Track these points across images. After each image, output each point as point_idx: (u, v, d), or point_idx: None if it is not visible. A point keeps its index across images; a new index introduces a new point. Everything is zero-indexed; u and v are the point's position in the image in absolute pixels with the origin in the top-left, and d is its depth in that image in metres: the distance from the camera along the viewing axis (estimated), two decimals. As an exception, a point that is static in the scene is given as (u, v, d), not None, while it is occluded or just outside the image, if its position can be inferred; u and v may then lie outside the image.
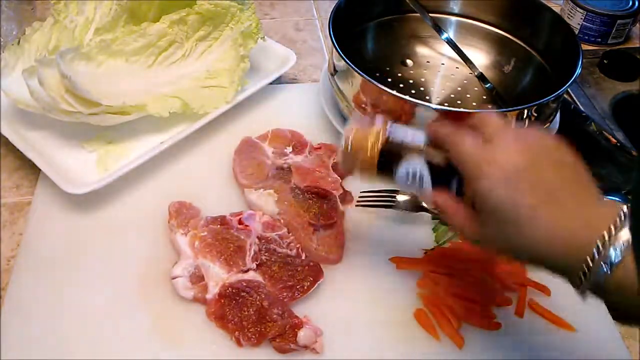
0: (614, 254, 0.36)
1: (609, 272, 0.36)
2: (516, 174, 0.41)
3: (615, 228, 0.37)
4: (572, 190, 0.41)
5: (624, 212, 0.38)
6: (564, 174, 0.42)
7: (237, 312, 0.55)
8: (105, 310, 0.56)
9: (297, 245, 0.60)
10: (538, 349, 0.56)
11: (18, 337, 0.54)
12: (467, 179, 0.43)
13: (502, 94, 0.77)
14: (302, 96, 0.81)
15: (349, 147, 0.48)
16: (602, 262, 0.37)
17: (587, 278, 0.37)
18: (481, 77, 0.78)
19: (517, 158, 0.42)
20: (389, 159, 0.47)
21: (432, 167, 0.47)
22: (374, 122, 0.48)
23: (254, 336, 0.53)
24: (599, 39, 0.96)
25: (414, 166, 0.47)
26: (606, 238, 0.37)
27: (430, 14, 0.78)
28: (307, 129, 0.74)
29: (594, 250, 0.37)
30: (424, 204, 0.65)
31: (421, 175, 0.47)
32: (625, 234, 0.36)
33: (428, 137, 0.47)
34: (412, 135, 0.48)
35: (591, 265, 0.37)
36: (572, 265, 0.38)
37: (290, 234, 0.61)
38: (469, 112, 0.64)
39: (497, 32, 0.80)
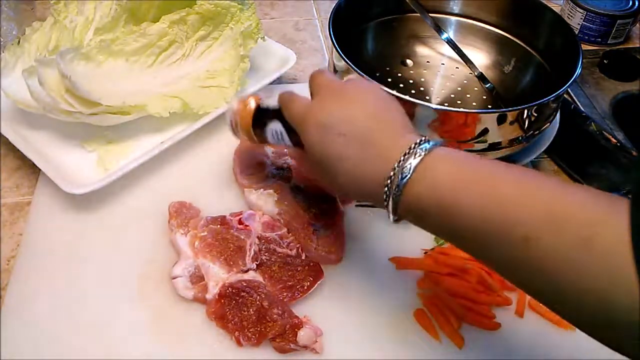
0: (400, 178, 0.42)
1: (399, 194, 0.42)
2: (329, 125, 0.46)
3: (407, 155, 0.43)
4: (382, 132, 0.46)
5: (418, 140, 0.43)
6: (372, 119, 0.47)
7: (237, 312, 0.55)
8: (105, 310, 0.56)
9: (297, 245, 0.60)
10: (538, 349, 0.56)
11: (18, 337, 0.54)
12: (299, 134, 0.50)
13: (502, 94, 0.77)
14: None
15: (231, 118, 0.59)
16: (395, 187, 0.42)
17: (387, 205, 0.43)
18: (481, 77, 0.78)
19: (331, 110, 0.47)
20: (258, 123, 0.56)
21: (287, 126, 0.54)
22: (250, 96, 0.58)
23: (254, 336, 0.53)
24: (599, 39, 0.96)
25: (275, 126, 0.55)
26: (397, 166, 0.43)
27: (430, 14, 0.78)
28: (307, 129, 0.74)
29: (387, 179, 0.43)
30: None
31: (281, 133, 0.55)
32: (409, 163, 0.42)
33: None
34: (272, 102, 0.56)
35: (387, 194, 0.43)
36: (378, 198, 0.44)
37: (290, 234, 0.61)
38: (469, 112, 0.64)
39: (497, 32, 0.80)
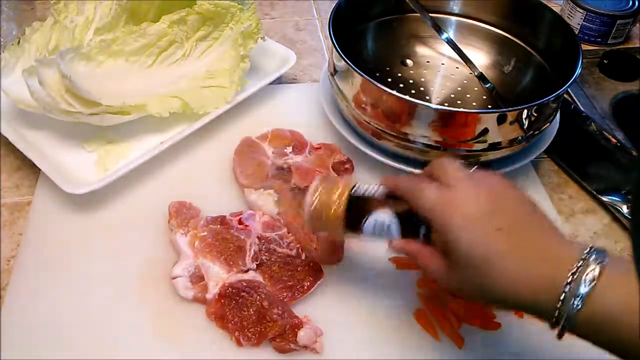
0: (582, 289, 0.37)
1: (580, 307, 0.37)
2: (482, 219, 0.42)
3: (581, 265, 0.38)
4: (536, 232, 0.42)
5: (588, 249, 0.39)
6: (526, 215, 0.43)
7: (237, 312, 0.55)
8: (105, 310, 0.56)
9: (297, 245, 0.60)
10: (538, 349, 0.56)
11: (18, 337, 0.54)
12: (434, 228, 0.44)
13: (502, 94, 0.77)
14: (302, 96, 0.81)
15: (315, 206, 0.49)
16: (572, 298, 0.37)
17: (561, 316, 0.38)
18: (481, 77, 0.78)
19: (480, 202, 0.43)
20: (355, 214, 0.48)
21: (399, 216, 0.47)
22: (338, 182, 0.50)
23: (254, 336, 0.53)
24: (599, 39, 0.96)
25: (381, 217, 0.47)
26: (574, 276, 0.38)
27: (430, 14, 0.78)
28: (307, 129, 0.74)
29: (563, 289, 0.38)
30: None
31: (389, 225, 0.47)
32: (590, 270, 0.38)
33: (389, 189, 0.48)
34: (374, 189, 0.49)
35: (562, 303, 0.38)
36: (544, 306, 0.39)
37: (290, 234, 0.61)
38: (469, 112, 0.64)
39: (497, 32, 0.80)
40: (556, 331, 0.39)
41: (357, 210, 0.48)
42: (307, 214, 0.50)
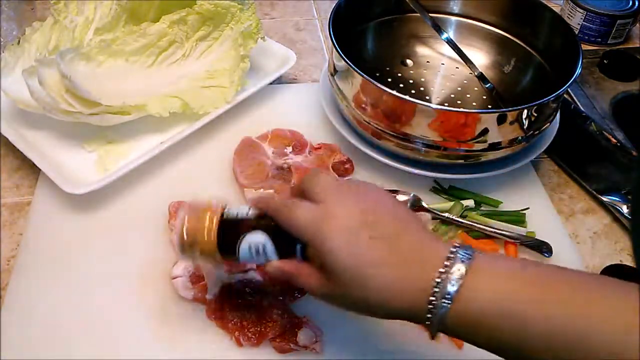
0: (450, 287, 0.38)
1: (448, 306, 0.38)
2: (354, 229, 0.41)
3: (448, 264, 0.39)
4: (409, 236, 0.42)
5: (454, 247, 0.40)
6: (398, 221, 0.43)
7: (237, 312, 0.55)
8: (105, 310, 0.56)
9: (297, 245, 0.60)
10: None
11: (18, 337, 0.54)
12: (309, 244, 0.43)
13: (502, 94, 0.77)
14: (302, 96, 0.81)
15: (185, 236, 0.46)
16: (442, 298, 0.38)
17: (433, 316, 0.39)
18: (481, 77, 0.78)
19: (351, 212, 0.42)
20: (228, 238, 0.46)
21: (272, 235, 0.46)
22: (206, 206, 0.47)
23: (254, 336, 0.53)
24: (599, 39, 0.96)
25: (255, 238, 0.46)
26: (442, 275, 0.38)
27: (430, 14, 0.78)
28: (307, 129, 0.74)
29: (433, 289, 0.38)
30: (424, 204, 0.65)
31: (264, 245, 0.46)
32: (457, 269, 0.38)
33: (260, 210, 0.47)
34: (245, 211, 0.47)
35: (432, 304, 0.38)
36: (417, 308, 0.39)
37: (290, 234, 0.61)
38: (469, 112, 0.64)
39: (497, 32, 0.80)
40: (430, 331, 0.40)
41: (230, 234, 0.46)
42: (179, 244, 0.47)
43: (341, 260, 0.41)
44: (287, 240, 0.45)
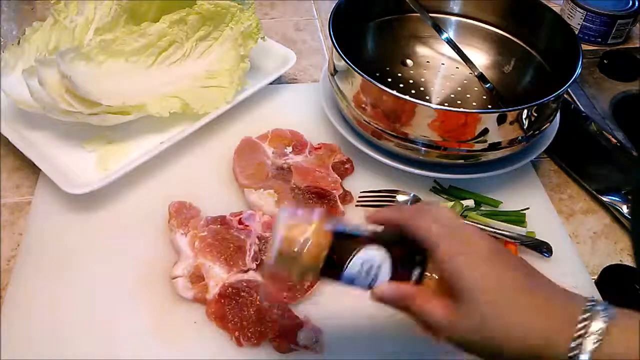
0: (590, 344, 0.36)
1: (597, 345, 0.36)
2: (495, 255, 0.39)
3: (586, 318, 0.37)
4: (542, 279, 0.40)
5: (589, 301, 0.38)
6: (529, 268, 0.41)
7: (237, 312, 0.55)
8: (105, 310, 0.56)
9: (297, 245, 0.60)
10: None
11: (18, 337, 0.54)
12: (440, 257, 0.39)
13: (502, 94, 0.77)
14: (302, 96, 0.81)
15: (287, 246, 0.40)
16: (582, 353, 0.36)
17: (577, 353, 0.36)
18: (481, 77, 0.78)
19: (489, 242, 0.40)
20: (340, 254, 0.41)
21: (392, 255, 0.41)
22: (311, 217, 0.42)
23: (254, 336, 0.53)
24: (599, 39, 0.96)
25: (371, 256, 0.41)
26: (581, 331, 0.36)
27: (430, 14, 0.78)
28: (307, 129, 0.74)
29: (572, 345, 0.36)
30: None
31: (379, 266, 0.41)
32: (596, 324, 0.36)
33: (378, 224, 0.43)
34: (356, 227, 0.43)
35: (574, 354, 0.36)
36: (554, 353, 0.37)
37: (290, 234, 0.61)
38: (469, 112, 0.64)
39: (497, 32, 0.80)
40: None
41: (342, 249, 0.41)
42: (277, 253, 0.41)
43: (477, 274, 0.38)
44: (404, 262, 0.41)
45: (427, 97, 0.78)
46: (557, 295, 0.39)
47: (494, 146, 0.64)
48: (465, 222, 0.43)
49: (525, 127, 0.64)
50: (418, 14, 0.78)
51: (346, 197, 0.67)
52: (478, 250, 0.39)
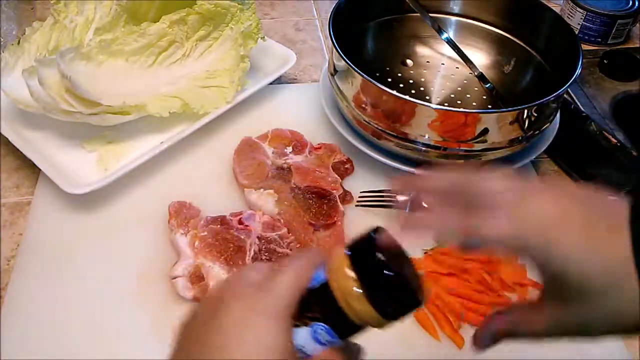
0: None
1: None
2: (583, 227, 0.32)
3: None
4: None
5: None
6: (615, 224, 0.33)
7: (237, 312, 0.54)
8: (105, 310, 0.56)
9: (297, 245, 0.60)
10: (538, 349, 0.56)
11: (18, 337, 0.54)
12: (532, 254, 0.33)
13: (502, 94, 0.77)
14: (302, 96, 0.81)
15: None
16: None
17: None
18: (481, 77, 0.78)
19: (569, 208, 0.33)
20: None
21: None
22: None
23: (254, 336, 0.53)
24: (599, 39, 0.96)
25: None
26: None
27: (430, 14, 0.78)
28: (307, 129, 0.74)
29: None
30: (425, 204, 0.65)
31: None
32: None
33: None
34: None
35: None
36: None
37: (290, 234, 0.61)
38: (469, 112, 0.64)
39: (497, 32, 0.80)
40: None
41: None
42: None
43: (585, 263, 0.31)
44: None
45: (427, 97, 0.78)
46: None
47: (494, 146, 0.64)
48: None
49: (525, 127, 0.64)
50: (418, 14, 0.78)
51: (346, 197, 0.67)
52: (565, 226, 0.32)
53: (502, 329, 0.37)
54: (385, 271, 0.32)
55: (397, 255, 0.34)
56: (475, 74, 0.78)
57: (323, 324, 0.33)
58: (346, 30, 0.72)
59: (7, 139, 0.68)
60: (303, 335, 0.33)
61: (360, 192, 0.67)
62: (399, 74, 0.81)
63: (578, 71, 0.64)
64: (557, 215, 0.32)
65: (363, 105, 0.66)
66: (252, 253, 0.58)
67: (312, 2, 1.04)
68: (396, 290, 0.33)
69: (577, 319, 0.33)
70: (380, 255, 0.33)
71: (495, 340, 0.37)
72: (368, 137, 0.69)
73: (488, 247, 0.35)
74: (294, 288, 0.32)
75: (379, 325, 0.34)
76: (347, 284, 0.32)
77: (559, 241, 0.32)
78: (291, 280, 0.33)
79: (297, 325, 0.32)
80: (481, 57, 0.81)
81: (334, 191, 0.65)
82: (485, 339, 0.38)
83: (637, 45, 0.97)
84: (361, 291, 0.32)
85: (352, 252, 0.33)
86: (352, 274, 0.32)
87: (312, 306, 0.33)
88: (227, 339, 0.31)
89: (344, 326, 0.33)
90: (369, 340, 0.55)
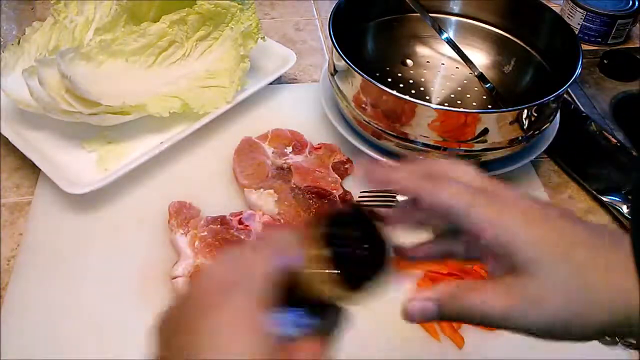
0: None
1: None
2: (542, 211, 0.34)
3: None
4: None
5: None
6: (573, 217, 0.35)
7: (237, 312, 0.54)
8: (105, 310, 0.56)
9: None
10: (538, 349, 0.56)
11: (18, 337, 0.54)
12: (480, 226, 0.33)
13: (502, 94, 0.77)
14: (302, 96, 0.81)
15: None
16: None
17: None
18: (481, 77, 0.78)
19: (529, 198, 0.35)
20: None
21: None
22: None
23: (254, 336, 0.53)
24: (599, 39, 0.96)
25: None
26: None
27: (430, 14, 0.78)
28: (307, 129, 0.74)
29: None
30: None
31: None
32: None
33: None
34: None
35: None
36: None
37: (290, 234, 0.61)
38: (469, 112, 0.64)
39: (497, 32, 0.80)
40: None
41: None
42: None
43: (547, 238, 0.32)
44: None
45: (427, 97, 0.78)
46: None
47: (494, 146, 0.64)
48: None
49: (525, 127, 0.64)
50: (418, 14, 0.78)
51: (346, 197, 0.67)
52: (527, 211, 0.33)
53: (446, 295, 0.34)
54: (350, 247, 0.33)
55: (364, 225, 0.35)
56: (475, 74, 0.78)
57: (299, 307, 0.33)
58: (346, 30, 0.72)
59: (7, 139, 0.68)
60: (282, 321, 0.33)
61: (360, 192, 0.67)
62: (399, 74, 0.81)
63: (578, 71, 0.64)
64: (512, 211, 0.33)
65: (363, 105, 0.66)
66: (252, 253, 0.58)
67: (312, 2, 1.04)
68: (363, 263, 0.34)
69: (528, 292, 0.33)
70: (345, 230, 0.34)
71: (435, 313, 0.35)
72: (368, 137, 0.69)
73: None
74: (266, 279, 0.32)
75: (353, 301, 0.35)
76: (316, 263, 0.33)
77: (503, 212, 0.33)
78: (262, 271, 0.32)
79: (275, 312, 0.32)
80: (481, 57, 0.81)
81: (334, 191, 0.65)
82: (421, 308, 0.35)
83: (637, 45, 0.97)
84: (330, 270, 0.33)
85: (319, 229, 0.34)
86: (319, 251, 0.33)
87: (287, 291, 0.33)
88: (208, 347, 0.30)
89: (319, 307, 0.34)
90: (369, 340, 0.55)
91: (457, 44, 0.79)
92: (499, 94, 0.77)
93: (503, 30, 0.80)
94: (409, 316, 0.36)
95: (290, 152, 0.70)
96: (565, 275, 0.32)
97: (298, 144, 0.71)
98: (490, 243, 0.33)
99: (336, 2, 0.72)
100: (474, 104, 0.77)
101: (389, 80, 0.79)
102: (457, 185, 0.35)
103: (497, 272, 0.34)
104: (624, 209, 0.68)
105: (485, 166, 0.67)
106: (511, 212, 0.33)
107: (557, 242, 0.32)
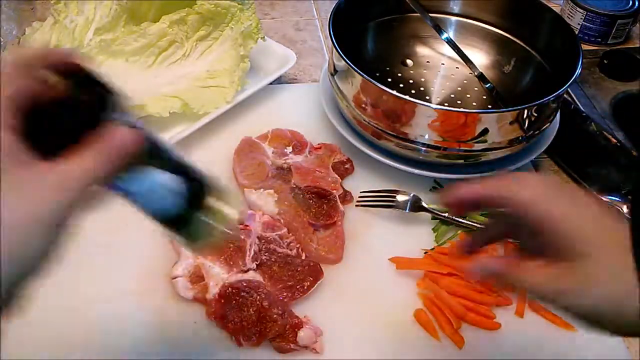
0: None
1: None
2: (601, 210, 0.38)
3: None
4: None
5: None
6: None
7: (237, 312, 0.55)
8: (105, 310, 0.56)
9: (297, 245, 0.60)
10: (538, 349, 0.56)
11: (18, 337, 0.54)
12: (553, 216, 0.37)
13: (502, 94, 0.77)
14: (302, 96, 0.81)
15: None
16: None
17: None
18: (481, 77, 0.78)
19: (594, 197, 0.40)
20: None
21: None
22: None
23: (254, 336, 0.53)
24: (599, 39, 0.96)
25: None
26: None
27: (430, 14, 0.78)
28: (307, 129, 0.74)
29: None
30: (424, 204, 0.65)
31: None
32: None
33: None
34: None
35: None
36: None
37: (290, 234, 0.61)
38: (469, 112, 0.64)
39: (497, 32, 0.80)
40: None
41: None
42: None
43: (601, 233, 0.36)
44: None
45: (427, 97, 0.78)
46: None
47: (494, 146, 0.64)
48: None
49: (525, 127, 0.64)
50: (418, 14, 0.78)
51: (346, 197, 0.67)
52: (589, 207, 0.38)
53: (498, 269, 0.39)
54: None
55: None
56: (475, 74, 0.78)
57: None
58: (346, 30, 0.72)
59: (7, 139, 0.68)
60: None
61: (360, 192, 0.67)
62: (399, 74, 0.81)
63: (578, 71, 0.64)
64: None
65: (363, 105, 0.66)
66: (252, 253, 0.58)
67: (312, 2, 1.04)
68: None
69: (573, 277, 0.36)
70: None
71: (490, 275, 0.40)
72: (368, 137, 0.69)
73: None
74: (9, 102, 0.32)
75: None
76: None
77: (552, 204, 0.38)
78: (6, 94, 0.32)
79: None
80: (481, 57, 0.81)
81: (334, 191, 0.65)
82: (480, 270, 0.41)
83: (637, 45, 0.97)
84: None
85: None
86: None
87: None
88: None
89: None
90: (369, 340, 0.55)
91: (457, 44, 0.79)
92: (499, 94, 0.77)
93: (503, 30, 0.80)
94: (475, 269, 0.41)
95: (290, 152, 0.70)
96: (620, 261, 0.35)
97: (298, 144, 0.71)
98: (554, 232, 0.37)
99: (336, 2, 0.72)
100: (474, 104, 0.77)
101: (389, 80, 0.79)
102: (535, 182, 0.39)
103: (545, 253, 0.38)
104: (624, 209, 0.68)
105: (485, 166, 0.67)
106: (580, 208, 0.38)
107: (613, 231, 0.36)
